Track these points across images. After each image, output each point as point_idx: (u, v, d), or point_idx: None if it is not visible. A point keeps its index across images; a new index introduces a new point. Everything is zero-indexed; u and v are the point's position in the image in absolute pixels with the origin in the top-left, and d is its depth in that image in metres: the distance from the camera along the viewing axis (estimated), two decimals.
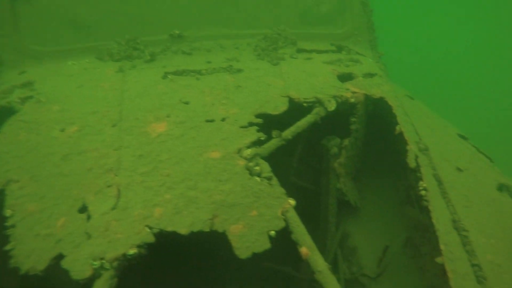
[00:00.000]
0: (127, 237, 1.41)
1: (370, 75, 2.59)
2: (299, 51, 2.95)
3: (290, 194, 2.93)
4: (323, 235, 2.56)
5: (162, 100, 2.17)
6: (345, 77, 2.54)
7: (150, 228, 1.45)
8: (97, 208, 1.53)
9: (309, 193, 2.81)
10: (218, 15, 3.02)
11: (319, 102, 2.17)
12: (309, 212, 2.98)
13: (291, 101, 2.16)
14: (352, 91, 2.31)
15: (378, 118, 2.56)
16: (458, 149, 2.27)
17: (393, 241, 2.27)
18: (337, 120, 2.41)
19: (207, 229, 1.45)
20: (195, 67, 2.61)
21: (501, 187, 1.99)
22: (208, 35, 2.98)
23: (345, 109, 2.31)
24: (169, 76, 2.52)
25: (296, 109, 2.17)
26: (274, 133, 1.88)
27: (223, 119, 1.98)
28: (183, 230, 1.43)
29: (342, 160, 2.29)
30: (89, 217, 1.52)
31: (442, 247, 1.55)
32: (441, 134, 2.48)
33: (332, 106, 2.15)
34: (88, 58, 2.77)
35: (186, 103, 2.15)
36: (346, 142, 2.29)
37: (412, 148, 1.99)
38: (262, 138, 1.84)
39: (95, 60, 2.74)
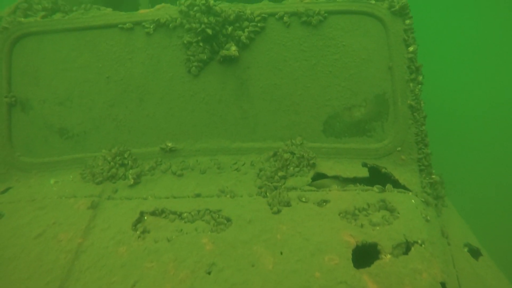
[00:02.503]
0: None
1: (406, 246, 1.84)
2: (317, 177, 2.29)
3: None
4: None
5: (111, 283, 1.74)
6: (366, 250, 1.84)
7: None
8: None
9: None
10: (219, 123, 2.48)
11: None
12: None
13: None
14: None
15: None
16: None
17: None
18: None
19: None
20: (179, 205, 2.14)
21: None
22: (205, 149, 2.47)
23: None
24: (145, 217, 2.10)
25: None
26: None
27: None
28: None
29: None
30: None
31: None
32: None
33: None
34: (73, 173, 2.48)
35: None
36: None
37: None
38: None
39: (78, 178, 2.43)
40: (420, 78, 2.43)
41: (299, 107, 2.44)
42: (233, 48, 2.39)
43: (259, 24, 2.43)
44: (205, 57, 2.43)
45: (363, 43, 2.44)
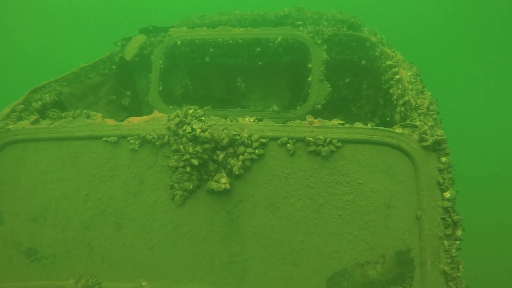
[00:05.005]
0: None
1: None
2: None
3: None
4: None
5: None
6: None
7: None
8: None
9: None
10: (202, 265, 2.09)
11: None
12: None
13: None
14: None
15: None
16: None
17: None
18: None
19: None
20: None
21: None
22: None
23: None
24: None
25: None
26: None
27: None
28: None
29: None
30: None
31: None
32: None
33: None
34: None
35: None
36: None
37: None
38: None
39: None
40: (459, 233, 1.88)
41: (298, 256, 1.98)
42: (224, 180, 2.02)
43: (257, 151, 2.04)
44: (191, 187, 2.07)
45: (384, 183, 1.95)
